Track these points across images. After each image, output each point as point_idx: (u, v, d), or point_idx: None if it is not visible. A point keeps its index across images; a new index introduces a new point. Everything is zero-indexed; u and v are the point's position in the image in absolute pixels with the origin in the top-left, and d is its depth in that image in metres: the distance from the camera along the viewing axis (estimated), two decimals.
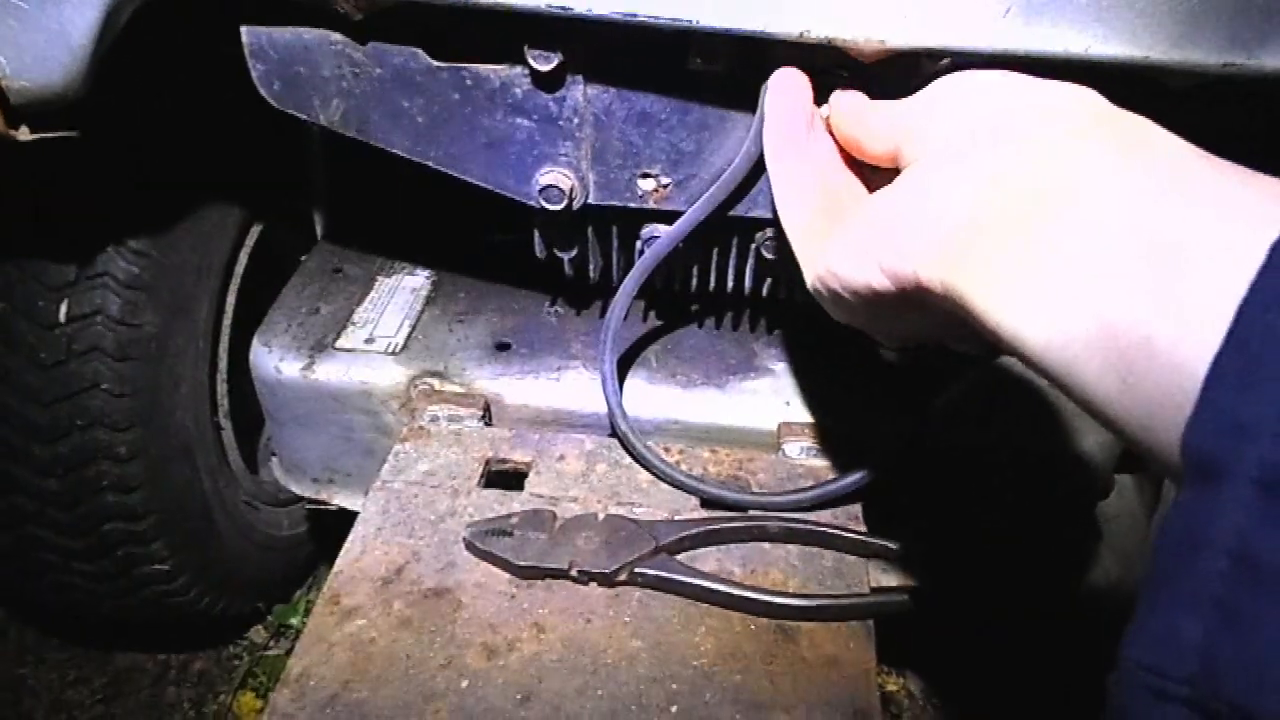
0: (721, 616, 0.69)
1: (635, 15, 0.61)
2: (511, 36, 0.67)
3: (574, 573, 0.70)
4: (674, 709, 0.63)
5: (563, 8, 0.61)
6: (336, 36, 0.70)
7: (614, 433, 0.82)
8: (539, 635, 0.67)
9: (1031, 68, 0.54)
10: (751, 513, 0.76)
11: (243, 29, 0.71)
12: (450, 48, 0.70)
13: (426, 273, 1.02)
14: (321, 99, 0.73)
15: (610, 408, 0.79)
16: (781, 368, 0.92)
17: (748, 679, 0.65)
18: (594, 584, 0.71)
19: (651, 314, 0.97)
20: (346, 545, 0.74)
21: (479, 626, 0.68)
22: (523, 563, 0.71)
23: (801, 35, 0.60)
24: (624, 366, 0.91)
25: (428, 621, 0.68)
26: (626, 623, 0.69)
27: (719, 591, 0.69)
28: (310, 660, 0.65)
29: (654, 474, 0.79)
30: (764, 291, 0.88)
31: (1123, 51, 0.58)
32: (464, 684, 0.64)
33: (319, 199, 1.13)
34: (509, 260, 0.97)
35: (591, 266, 0.87)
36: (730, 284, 0.87)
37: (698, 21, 0.60)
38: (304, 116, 0.75)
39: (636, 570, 0.70)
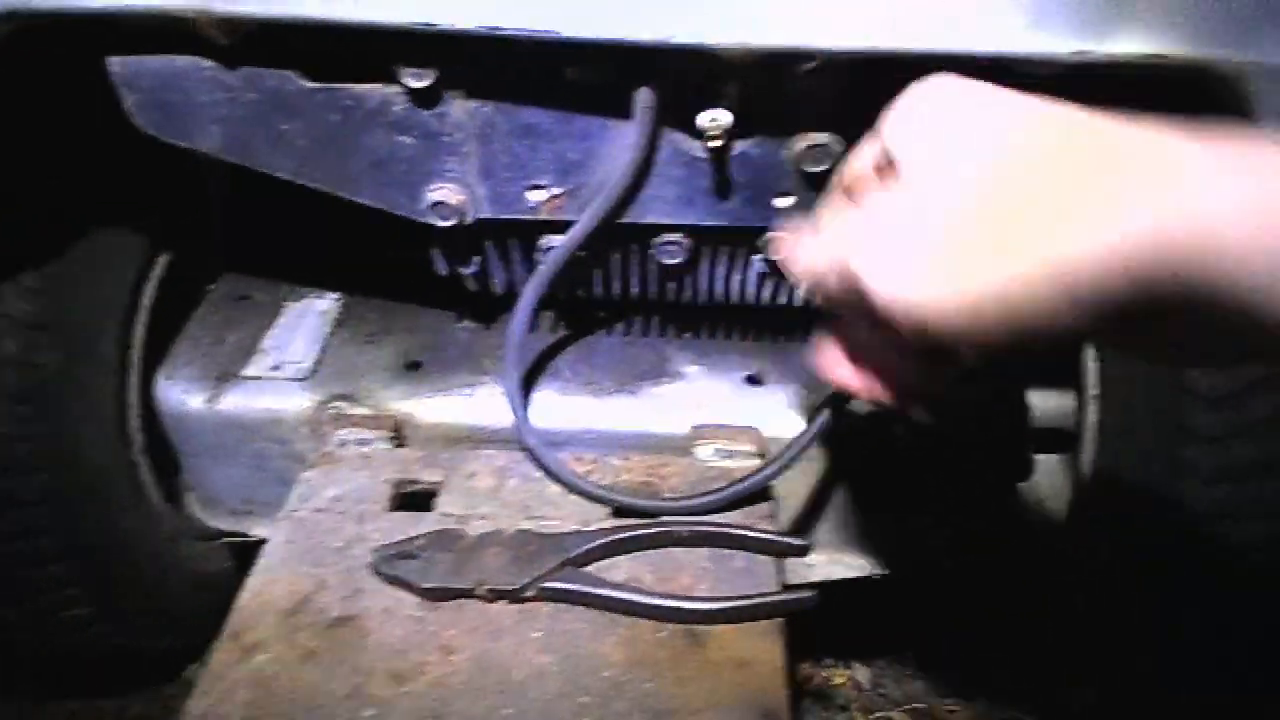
0: (632, 625, 0.69)
1: (500, 28, 0.61)
2: (383, 55, 0.67)
3: (481, 591, 0.70)
4: None
5: (426, 23, 0.61)
6: (207, 62, 0.69)
7: (524, 446, 0.81)
8: (447, 657, 0.67)
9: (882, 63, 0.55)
10: (663, 518, 0.76)
11: (110, 59, 0.69)
12: (325, 69, 0.70)
13: (335, 295, 1.01)
14: (198, 127, 0.72)
15: (517, 421, 0.79)
16: (695, 371, 0.92)
17: (657, 686, 0.65)
18: (502, 601, 0.70)
19: (562, 324, 0.97)
20: (250, 578, 0.72)
21: (385, 653, 0.67)
22: (429, 585, 0.70)
23: (666, 41, 0.60)
24: (536, 378, 0.90)
25: (333, 652, 0.67)
26: (535, 638, 0.68)
27: (628, 600, 0.69)
28: (210, 700, 0.64)
29: (564, 486, 0.79)
30: (668, 296, 0.88)
31: (983, 46, 0.59)
32: (368, 713, 0.63)
33: (224, 226, 1.11)
34: (419, 279, 0.96)
35: (495, 280, 0.87)
36: (635, 290, 0.88)
37: (561, 32, 0.60)
38: (183, 145, 0.74)
39: (545, 585, 0.70)
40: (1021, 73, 0.61)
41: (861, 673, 1.39)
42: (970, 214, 0.41)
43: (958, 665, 1.39)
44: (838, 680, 1.38)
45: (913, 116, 0.46)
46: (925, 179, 0.43)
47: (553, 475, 0.79)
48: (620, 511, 0.78)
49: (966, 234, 0.41)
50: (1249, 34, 0.58)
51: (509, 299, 0.89)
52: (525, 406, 0.81)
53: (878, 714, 1.34)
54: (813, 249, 0.51)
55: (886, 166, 0.47)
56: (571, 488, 0.78)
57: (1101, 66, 0.59)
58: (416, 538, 0.73)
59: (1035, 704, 1.32)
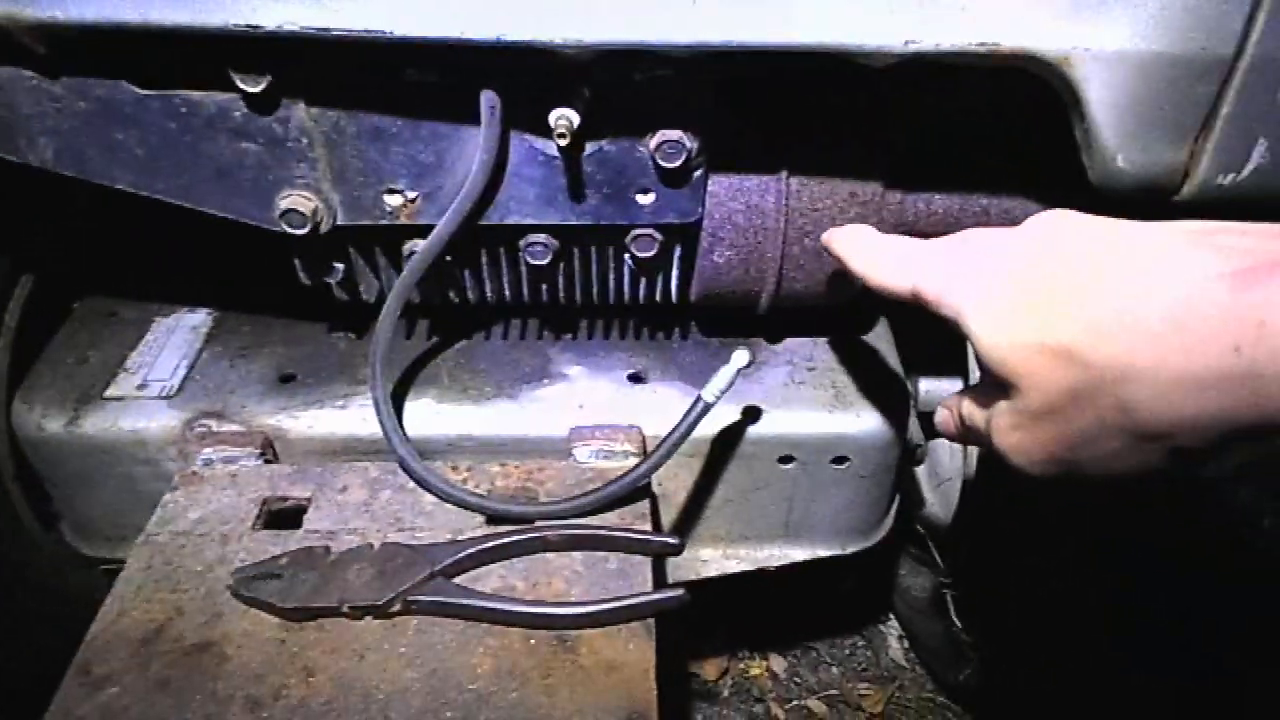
0: (501, 635, 0.68)
1: (329, 30, 0.59)
2: (213, 60, 0.64)
3: (345, 609, 0.68)
4: None
5: (250, 26, 0.59)
6: (28, 72, 0.66)
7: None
8: (307, 679, 0.65)
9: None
10: (537, 523, 0.75)
11: None
12: (156, 76, 0.67)
13: (207, 310, 0.97)
14: (27, 139, 0.69)
15: (385, 431, 0.77)
16: (576, 371, 0.91)
17: (524, 695, 0.64)
18: (368, 617, 0.69)
19: (441, 331, 0.95)
20: (103, 609, 0.70)
21: (244, 678, 0.65)
22: (291, 605, 0.68)
23: (499, 39, 0.59)
24: (412, 386, 0.89)
25: (189, 680, 0.65)
26: (401, 654, 0.66)
27: (496, 609, 0.68)
28: None
29: (436, 495, 0.77)
30: (543, 297, 0.87)
31: (814, 39, 0.59)
32: None
33: (88, 242, 1.07)
34: (292, 291, 0.94)
35: (363, 288, 0.85)
36: (509, 293, 0.86)
37: (392, 31, 0.59)
38: (14, 159, 0.70)
39: (411, 598, 0.68)
40: (857, 65, 0.61)
41: (777, 663, 1.41)
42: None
43: (870, 650, 1.41)
44: (754, 671, 1.39)
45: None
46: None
47: (423, 484, 0.77)
48: (496, 520, 0.76)
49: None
50: (1074, 22, 0.59)
51: (381, 307, 0.87)
52: (396, 415, 0.79)
53: (794, 703, 1.36)
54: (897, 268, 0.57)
55: None
56: (445, 497, 0.77)
57: (933, 57, 0.60)
58: (279, 557, 0.71)
59: (945, 683, 1.35)
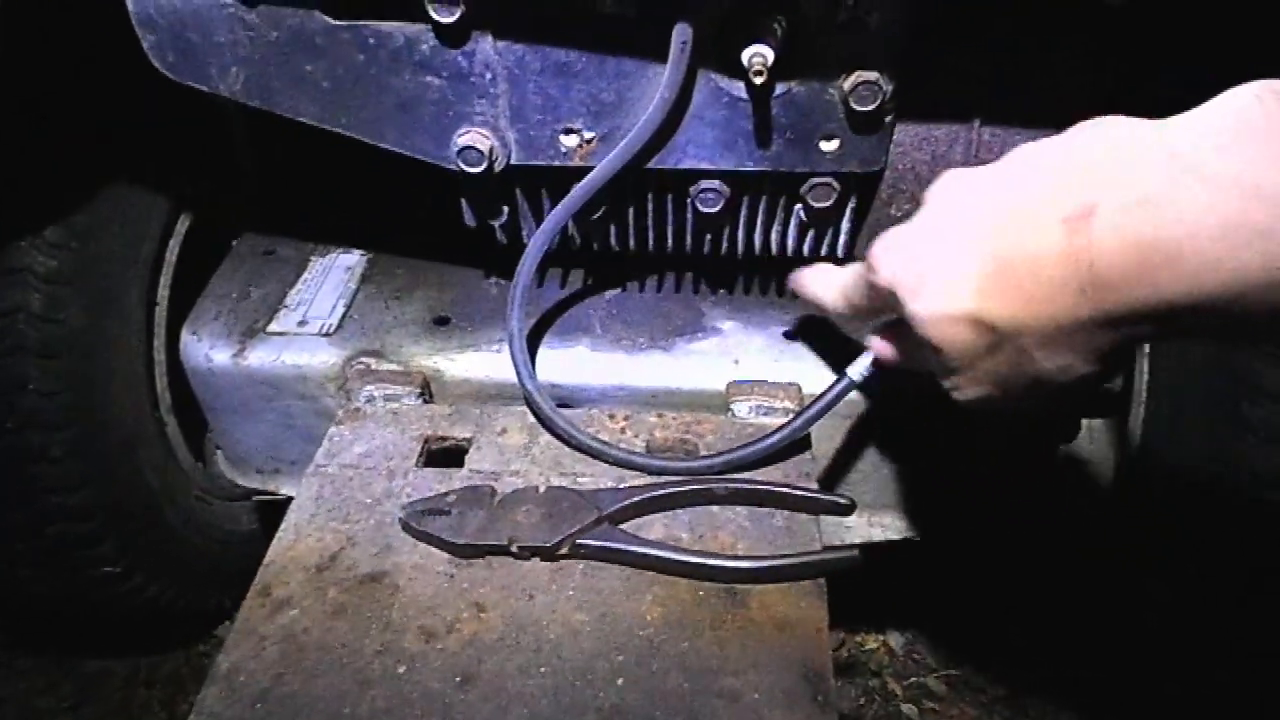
0: (668, 584, 0.67)
1: None
2: None
3: (514, 548, 0.68)
4: (620, 681, 0.61)
5: None
6: (227, 0, 0.66)
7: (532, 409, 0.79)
8: (479, 615, 0.65)
9: None
10: (700, 475, 0.73)
11: None
12: (348, 5, 0.67)
13: (361, 251, 0.98)
14: (219, 68, 0.70)
15: (516, 367, 0.76)
16: (730, 326, 0.89)
17: (696, 646, 0.63)
18: (535, 559, 0.68)
19: (593, 280, 0.94)
20: (279, 534, 0.71)
21: (417, 609, 0.65)
22: (461, 541, 0.68)
23: None
24: (564, 334, 0.88)
25: (363, 608, 0.66)
26: (570, 596, 0.66)
27: (665, 558, 0.67)
28: (239, 655, 0.62)
29: (559, 438, 0.76)
30: (705, 248, 0.85)
31: None
32: (401, 669, 0.61)
33: (248, 181, 1.09)
34: (446, 234, 0.94)
35: (525, 232, 0.84)
36: (670, 242, 0.85)
37: None
38: (204, 88, 0.71)
39: (579, 542, 0.68)
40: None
41: (895, 638, 1.37)
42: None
43: (995, 633, 1.36)
44: (870, 645, 1.37)
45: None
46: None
47: (549, 426, 0.77)
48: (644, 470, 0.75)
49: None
50: None
51: None
52: (526, 352, 0.78)
53: (911, 679, 1.33)
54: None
55: None
56: (569, 440, 0.76)
57: None
58: (447, 494, 0.72)
59: (1073, 674, 1.30)
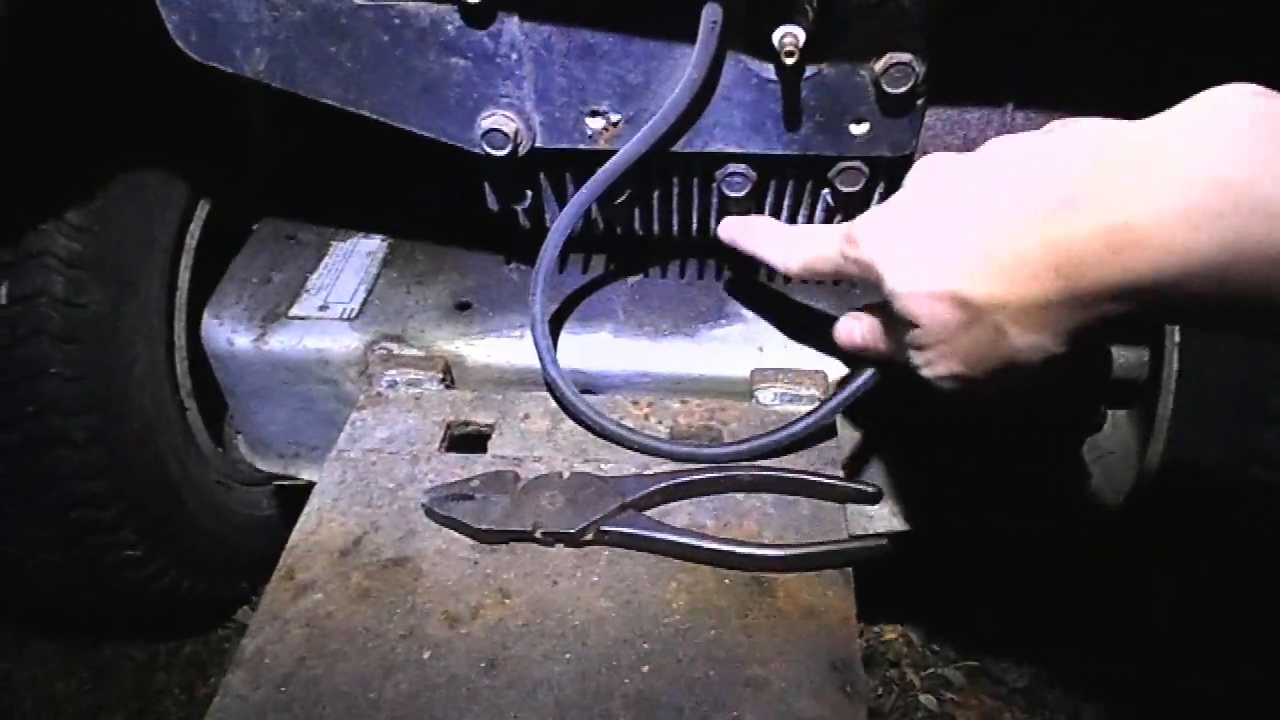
0: (694, 571, 0.66)
1: None
2: None
3: (538, 534, 0.67)
4: (645, 669, 0.60)
5: None
6: None
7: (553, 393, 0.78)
8: (503, 600, 0.65)
9: None
10: (725, 462, 0.73)
11: None
12: None
13: (382, 236, 0.98)
14: (243, 48, 0.69)
15: (539, 352, 0.76)
16: (754, 313, 0.88)
17: (722, 634, 0.62)
18: (560, 545, 0.68)
19: (615, 266, 0.93)
20: (302, 518, 0.71)
21: (441, 595, 0.65)
22: (484, 526, 0.68)
23: None
24: (587, 319, 0.87)
25: (387, 592, 0.65)
26: (595, 583, 0.66)
27: (690, 546, 0.66)
28: (264, 638, 0.62)
29: (582, 424, 0.76)
30: None
31: None
32: (426, 655, 0.61)
33: (268, 166, 1.09)
34: (468, 219, 0.93)
35: (549, 218, 0.83)
36: (695, 228, 0.84)
37: None
38: (227, 69, 0.71)
39: (604, 528, 0.67)
40: None
41: (913, 629, 1.36)
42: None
43: (1014, 624, 1.35)
44: (889, 636, 1.36)
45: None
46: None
47: (571, 412, 0.76)
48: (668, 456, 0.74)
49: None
50: None
51: None
52: (549, 337, 0.77)
53: (930, 670, 1.32)
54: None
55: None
56: (592, 426, 0.75)
57: None
58: (471, 479, 0.71)
59: (1092, 667, 1.29)
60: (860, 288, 0.60)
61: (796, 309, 0.89)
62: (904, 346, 0.58)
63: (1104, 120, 0.49)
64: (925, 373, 0.58)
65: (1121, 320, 0.48)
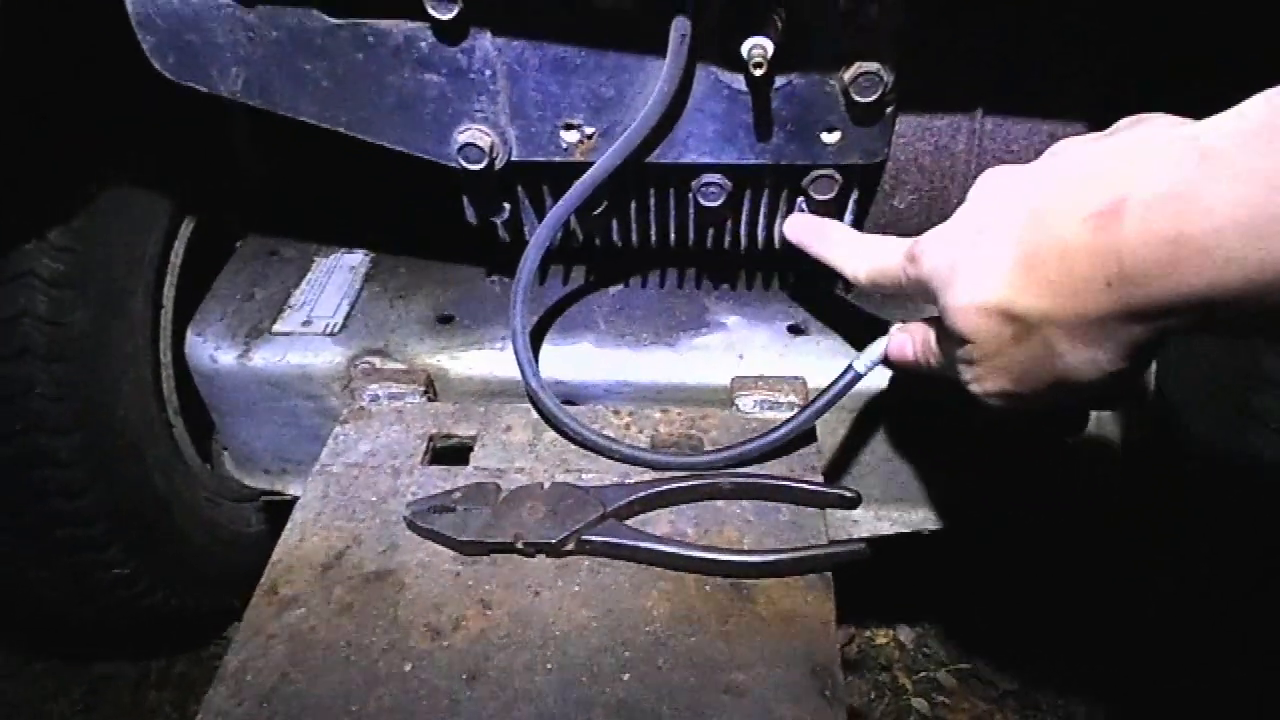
0: (675, 579, 0.67)
1: None
2: None
3: (519, 545, 0.68)
4: (626, 676, 0.61)
5: None
6: (226, 0, 0.66)
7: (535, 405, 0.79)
8: (485, 612, 0.65)
9: None
10: (705, 470, 0.73)
11: None
12: (347, 3, 0.67)
13: (365, 250, 0.98)
14: (219, 69, 0.70)
15: (520, 364, 0.76)
16: (734, 321, 0.89)
17: (703, 641, 0.63)
18: (541, 555, 0.68)
19: (596, 277, 0.94)
20: (285, 533, 0.71)
21: (423, 607, 0.65)
22: (466, 538, 0.68)
23: None
24: (568, 330, 0.88)
25: (369, 606, 0.66)
26: (576, 592, 0.66)
27: (671, 554, 0.67)
28: (247, 654, 0.63)
29: (563, 435, 0.76)
30: (708, 243, 0.84)
31: None
32: (408, 667, 0.61)
33: (251, 182, 1.10)
34: (449, 233, 0.94)
35: (528, 229, 0.84)
36: (673, 237, 0.84)
37: None
38: (204, 89, 0.71)
39: (584, 538, 0.68)
40: None
41: (904, 633, 1.37)
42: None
43: (1005, 626, 1.36)
44: (880, 640, 1.36)
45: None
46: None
47: (554, 423, 0.76)
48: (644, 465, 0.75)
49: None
50: None
51: None
52: (535, 359, 0.78)
53: (922, 674, 1.32)
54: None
55: None
56: (574, 437, 0.76)
57: None
58: (452, 491, 0.72)
59: (1084, 668, 1.29)
60: (921, 304, 0.60)
61: (777, 316, 0.89)
62: (954, 363, 0.57)
63: (1166, 118, 0.47)
64: (974, 389, 0.57)
65: (1182, 332, 0.46)
